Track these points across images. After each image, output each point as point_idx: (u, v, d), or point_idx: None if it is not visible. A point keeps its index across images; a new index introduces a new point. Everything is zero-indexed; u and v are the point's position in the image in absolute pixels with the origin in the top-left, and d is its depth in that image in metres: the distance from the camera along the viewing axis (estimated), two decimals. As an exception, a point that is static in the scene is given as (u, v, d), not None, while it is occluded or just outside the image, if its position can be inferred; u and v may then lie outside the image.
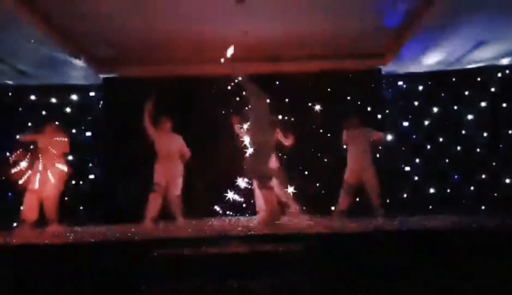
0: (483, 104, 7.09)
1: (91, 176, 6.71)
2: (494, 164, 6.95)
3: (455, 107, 7.14)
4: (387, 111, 7.10)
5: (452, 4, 4.87)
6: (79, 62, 6.56)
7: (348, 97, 7.01)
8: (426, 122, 7.17)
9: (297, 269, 2.99)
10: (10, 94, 7.21)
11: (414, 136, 7.16)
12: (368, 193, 5.60)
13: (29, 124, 7.11)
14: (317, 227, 3.98)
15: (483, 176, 6.96)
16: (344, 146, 5.93)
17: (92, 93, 7.15)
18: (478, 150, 7.05)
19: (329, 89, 7.03)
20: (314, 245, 3.24)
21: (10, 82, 7.16)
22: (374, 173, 5.59)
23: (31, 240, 3.92)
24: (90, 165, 6.83)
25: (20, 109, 7.18)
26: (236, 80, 5.31)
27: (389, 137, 6.66)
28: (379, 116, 6.86)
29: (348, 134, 5.82)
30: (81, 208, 6.28)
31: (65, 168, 5.33)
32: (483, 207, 6.73)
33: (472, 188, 6.95)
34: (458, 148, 7.09)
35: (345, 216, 5.54)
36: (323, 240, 3.35)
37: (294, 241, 3.26)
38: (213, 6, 5.10)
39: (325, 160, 6.84)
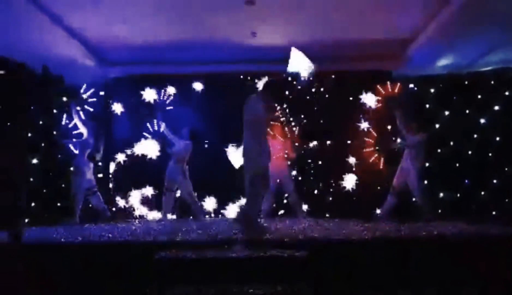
0: (496, 107, 6.95)
1: (100, 175, 6.78)
2: (506, 169, 6.81)
3: (467, 110, 7.01)
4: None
5: (462, 13, 4.83)
6: (88, 62, 6.66)
7: (359, 100, 6.98)
8: (437, 126, 7.06)
9: (300, 276, 2.97)
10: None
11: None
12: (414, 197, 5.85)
13: (40, 122, 7.23)
14: (321, 232, 3.95)
15: (495, 181, 6.83)
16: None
17: (102, 93, 7.21)
18: (490, 154, 6.91)
19: (340, 92, 7.06)
20: (319, 251, 3.23)
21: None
22: (418, 177, 5.74)
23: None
24: (100, 164, 6.89)
25: (32, 108, 7.27)
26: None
27: (399, 140, 6.60)
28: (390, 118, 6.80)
29: (409, 138, 5.94)
30: (90, 206, 6.34)
31: None
32: (494, 213, 6.61)
33: (483, 193, 6.82)
34: (470, 152, 6.97)
35: (387, 218, 5.74)
36: (327, 247, 3.33)
37: (298, 247, 3.24)
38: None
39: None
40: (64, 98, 7.16)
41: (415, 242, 3.46)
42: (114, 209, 6.71)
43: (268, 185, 4.36)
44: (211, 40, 6.10)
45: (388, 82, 6.96)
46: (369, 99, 6.97)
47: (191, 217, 6.35)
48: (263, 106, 4.24)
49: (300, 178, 6.91)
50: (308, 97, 7.06)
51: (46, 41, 5.70)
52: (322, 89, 7.09)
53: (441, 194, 6.85)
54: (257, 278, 2.92)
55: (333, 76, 7.06)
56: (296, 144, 6.76)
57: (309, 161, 6.96)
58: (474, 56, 6.33)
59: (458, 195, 6.85)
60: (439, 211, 6.45)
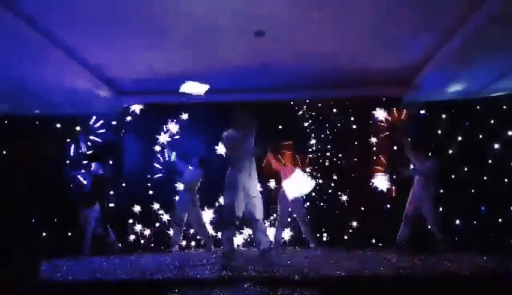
0: (510, 133, 6.82)
1: (111, 205, 6.80)
2: (524, 195, 6.63)
3: (480, 136, 6.90)
4: (409, 139, 6.93)
5: (473, 39, 4.81)
6: (102, 92, 6.76)
7: (370, 126, 6.96)
8: (450, 151, 6.94)
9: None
10: (37, 123, 7.43)
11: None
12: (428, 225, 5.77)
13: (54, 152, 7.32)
14: (333, 266, 3.85)
15: (512, 208, 6.64)
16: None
17: (114, 122, 7.29)
18: (506, 180, 6.75)
19: (351, 118, 7.04)
20: (330, 290, 3.14)
21: (37, 111, 7.42)
22: (432, 205, 5.71)
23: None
24: (112, 192, 6.91)
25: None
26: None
27: (411, 166, 6.51)
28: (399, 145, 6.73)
29: (418, 165, 5.94)
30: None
31: None
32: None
33: (500, 220, 6.63)
34: (485, 178, 6.82)
35: (406, 247, 5.63)
36: (339, 285, 3.24)
37: (309, 285, 3.16)
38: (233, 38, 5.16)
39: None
40: (77, 128, 7.30)
41: (430, 281, 3.34)
42: (122, 240, 6.66)
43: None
44: (222, 69, 6.15)
45: (395, 109, 6.91)
46: (379, 126, 6.92)
47: (201, 248, 6.31)
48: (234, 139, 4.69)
49: (312, 206, 6.80)
50: (317, 125, 7.04)
51: (59, 73, 5.82)
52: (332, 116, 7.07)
53: (457, 221, 6.68)
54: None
55: (347, 102, 7.08)
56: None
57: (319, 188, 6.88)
58: (486, 82, 6.26)
59: (475, 222, 6.68)
60: (455, 239, 6.30)
